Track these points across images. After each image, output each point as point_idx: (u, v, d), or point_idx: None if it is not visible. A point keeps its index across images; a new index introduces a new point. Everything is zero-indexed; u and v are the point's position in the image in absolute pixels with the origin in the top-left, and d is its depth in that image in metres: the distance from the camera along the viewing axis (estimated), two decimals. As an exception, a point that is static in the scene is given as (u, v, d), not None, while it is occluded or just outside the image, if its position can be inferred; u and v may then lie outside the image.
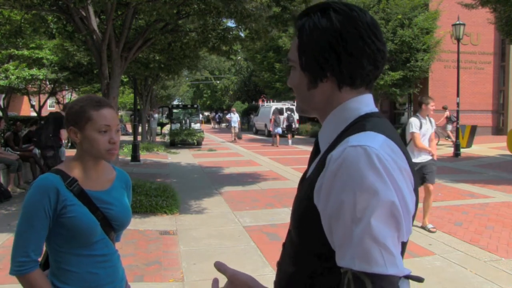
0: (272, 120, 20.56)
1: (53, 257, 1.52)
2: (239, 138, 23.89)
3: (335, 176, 0.84)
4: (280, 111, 23.52)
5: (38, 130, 9.05)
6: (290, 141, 20.66)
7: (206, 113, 55.63)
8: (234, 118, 23.93)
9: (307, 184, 0.95)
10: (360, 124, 0.92)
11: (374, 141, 0.85)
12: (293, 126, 21.72)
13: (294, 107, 25.90)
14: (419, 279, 0.86)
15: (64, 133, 7.43)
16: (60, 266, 1.51)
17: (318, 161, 0.95)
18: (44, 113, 16.52)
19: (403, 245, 0.88)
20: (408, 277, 0.84)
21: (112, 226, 1.58)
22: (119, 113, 35.86)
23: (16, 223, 1.47)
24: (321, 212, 0.88)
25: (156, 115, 22.70)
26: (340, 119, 0.96)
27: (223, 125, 45.72)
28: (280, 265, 1.06)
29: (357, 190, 0.81)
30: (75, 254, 1.51)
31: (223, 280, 1.00)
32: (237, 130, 23.76)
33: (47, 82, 18.49)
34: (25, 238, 1.43)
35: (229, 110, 51.31)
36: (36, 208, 1.42)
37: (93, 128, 1.51)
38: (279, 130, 19.88)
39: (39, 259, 1.49)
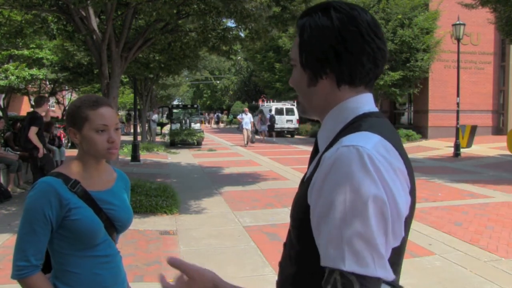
0: (258, 119, 23.78)
1: (56, 259, 1.51)
2: (252, 142, 20.37)
3: (326, 176, 0.84)
4: (270, 111, 25.65)
5: (19, 132, 9.01)
6: (274, 139, 23.40)
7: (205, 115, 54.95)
8: (246, 119, 20.43)
9: (305, 186, 0.95)
10: (357, 124, 0.92)
11: (368, 142, 0.85)
12: (275, 126, 24.33)
13: (280, 108, 26.69)
14: None
15: (33, 130, 6.95)
16: (63, 268, 1.50)
17: (316, 161, 0.96)
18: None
19: (400, 249, 0.87)
20: (391, 284, 0.83)
21: (115, 227, 1.58)
22: (119, 113, 35.82)
23: (18, 226, 1.46)
24: (311, 211, 0.88)
25: (155, 116, 22.67)
26: (338, 118, 0.96)
27: (222, 125, 45.81)
28: (282, 265, 1.06)
29: (347, 190, 0.80)
30: (78, 256, 1.50)
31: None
32: (249, 133, 20.37)
33: (47, 82, 18.51)
34: (26, 242, 1.42)
35: (229, 110, 51.51)
36: (37, 212, 1.41)
37: (90, 128, 1.50)
38: (264, 128, 23.30)
39: (40, 264, 1.47)
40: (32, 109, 7.69)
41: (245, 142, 20.01)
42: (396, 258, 0.86)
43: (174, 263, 0.99)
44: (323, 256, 0.84)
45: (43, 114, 7.46)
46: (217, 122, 45.73)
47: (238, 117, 24.57)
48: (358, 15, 0.94)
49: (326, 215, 0.83)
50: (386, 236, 0.81)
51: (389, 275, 0.80)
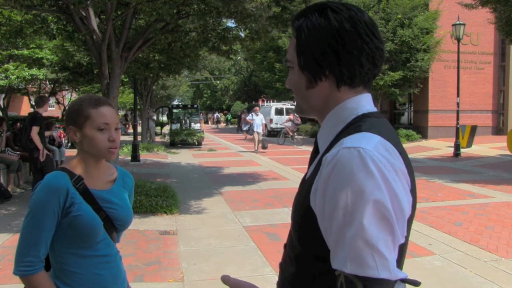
0: (242, 119, 25.31)
1: (56, 259, 1.51)
2: (264, 148, 16.78)
3: (328, 179, 0.84)
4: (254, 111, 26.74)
5: (20, 132, 9.03)
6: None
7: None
8: (258, 120, 17.00)
9: (305, 187, 0.95)
10: (356, 124, 0.92)
11: (369, 143, 0.84)
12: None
13: (280, 108, 27.21)
14: (416, 283, 0.85)
15: (35, 130, 6.97)
16: (64, 268, 1.50)
17: (316, 162, 0.95)
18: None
19: (402, 247, 0.87)
20: (404, 280, 0.83)
21: (114, 226, 1.58)
22: (119, 113, 35.81)
23: (22, 223, 1.46)
24: (317, 215, 0.88)
25: (155, 115, 22.67)
26: (338, 119, 0.96)
27: (223, 124, 46.01)
28: (282, 266, 1.06)
29: (349, 192, 0.80)
30: (78, 255, 1.50)
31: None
32: (261, 137, 16.86)
33: (47, 82, 18.51)
34: (34, 237, 1.42)
35: (229, 110, 51.61)
36: (46, 207, 1.41)
37: (92, 126, 1.51)
38: (247, 127, 23.57)
39: (44, 259, 1.47)
40: (32, 110, 7.69)
41: (256, 148, 16.75)
42: (398, 257, 0.86)
43: (223, 279, 1.00)
44: (331, 259, 0.84)
45: (44, 114, 7.48)
46: (216, 122, 46.16)
47: (248, 117, 20.94)
48: (355, 15, 0.93)
49: (331, 217, 0.83)
50: (392, 237, 0.81)
51: (394, 276, 0.79)
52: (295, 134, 19.65)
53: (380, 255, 0.78)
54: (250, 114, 20.47)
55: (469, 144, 16.36)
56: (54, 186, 1.44)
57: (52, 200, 1.42)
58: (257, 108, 18.58)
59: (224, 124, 47.32)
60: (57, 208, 1.42)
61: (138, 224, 5.85)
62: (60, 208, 1.43)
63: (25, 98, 24.28)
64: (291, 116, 21.05)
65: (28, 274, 1.41)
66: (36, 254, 1.41)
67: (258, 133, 16.79)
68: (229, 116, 48.66)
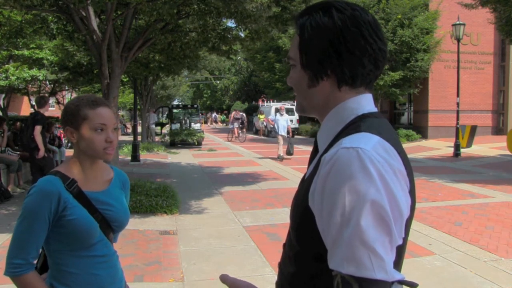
0: (231, 118, 26.69)
1: (53, 260, 1.51)
2: (290, 154, 13.89)
3: (326, 179, 0.84)
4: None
5: (21, 132, 9.06)
6: (241, 135, 24.76)
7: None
8: (282, 121, 14.09)
9: (304, 186, 0.94)
10: (356, 124, 0.92)
11: (368, 143, 0.84)
12: (244, 124, 26.26)
13: (255, 109, 27.72)
14: (413, 285, 0.85)
15: (37, 129, 7.02)
16: (60, 268, 1.50)
17: (315, 162, 0.95)
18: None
19: (400, 249, 0.87)
20: (401, 282, 0.83)
21: (111, 227, 1.58)
22: (120, 113, 35.85)
23: (15, 224, 1.47)
24: (315, 215, 0.88)
25: (153, 119, 22.64)
26: (338, 119, 0.96)
27: (222, 124, 46.20)
28: (281, 266, 1.06)
29: (347, 192, 0.80)
30: (75, 256, 1.50)
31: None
32: (286, 141, 14.13)
33: (47, 83, 18.52)
34: (24, 240, 1.42)
35: (229, 110, 51.77)
36: (38, 212, 1.41)
37: (89, 127, 1.50)
38: (235, 125, 25.24)
39: (35, 262, 1.48)
40: (33, 110, 7.74)
41: (280, 154, 13.92)
42: (396, 259, 0.86)
43: (221, 278, 1.00)
44: (328, 259, 0.84)
45: (45, 113, 7.50)
46: (214, 122, 46.63)
47: (270, 118, 17.52)
48: (360, 16, 0.93)
49: (328, 217, 0.83)
50: (389, 237, 0.80)
51: (390, 277, 0.79)
52: (244, 132, 24.13)
53: (377, 256, 0.78)
54: (273, 114, 17.66)
55: (469, 144, 16.35)
56: (45, 190, 1.43)
57: (43, 205, 1.41)
58: (282, 106, 15.41)
59: (224, 124, 47.61)
60: (48, 213, 1.42)
61: (138, 224, 5.85)
62: (52, 213, 1.43)
63: (25, 98, 24.28)
64: (234, 114, 24.20)
65: (15, 275, 1.42)
66: (25, 257, 1.41)
67: (282, 136, 14.08)
68: (223, 117, 49.26)
